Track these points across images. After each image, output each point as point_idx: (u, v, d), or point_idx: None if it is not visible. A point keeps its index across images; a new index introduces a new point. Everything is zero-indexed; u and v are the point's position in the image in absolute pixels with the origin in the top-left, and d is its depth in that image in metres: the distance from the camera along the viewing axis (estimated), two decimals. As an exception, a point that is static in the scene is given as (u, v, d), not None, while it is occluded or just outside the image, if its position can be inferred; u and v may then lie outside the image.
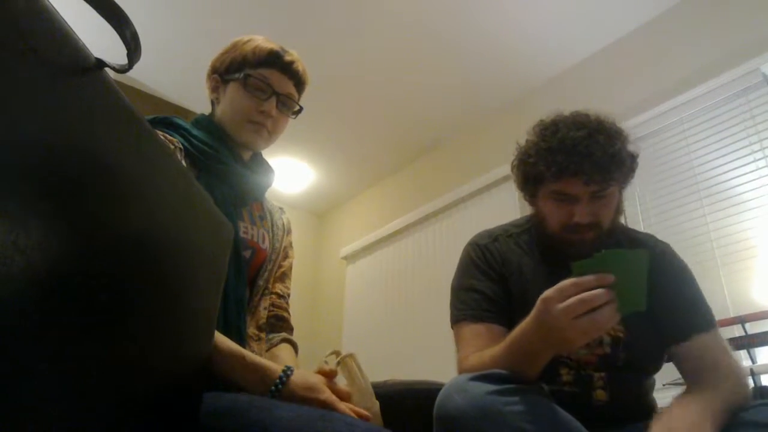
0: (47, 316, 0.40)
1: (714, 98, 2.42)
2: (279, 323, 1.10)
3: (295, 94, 1.11)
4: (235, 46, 1.09)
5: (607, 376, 0.98)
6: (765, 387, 1.83)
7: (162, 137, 0.96)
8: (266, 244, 1.08)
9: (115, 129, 0.49)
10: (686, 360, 0.99)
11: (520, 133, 1.16)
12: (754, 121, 2.29)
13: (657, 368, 1.06)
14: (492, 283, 1.08)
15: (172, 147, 0.95)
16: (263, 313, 1.07)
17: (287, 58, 1.08)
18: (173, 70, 2.96)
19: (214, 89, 1.11)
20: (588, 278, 0.75)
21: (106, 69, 0.46)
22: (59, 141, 0.41)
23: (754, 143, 2.26)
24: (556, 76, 3.08)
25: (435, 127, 3.44)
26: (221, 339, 0.84)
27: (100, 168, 0.46)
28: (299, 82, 1.11)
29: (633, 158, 1.06)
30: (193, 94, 3.07)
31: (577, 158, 0.97)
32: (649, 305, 0.77)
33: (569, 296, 0.75)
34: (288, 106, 1.10)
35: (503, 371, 0.82)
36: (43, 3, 0.39)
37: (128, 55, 0.47)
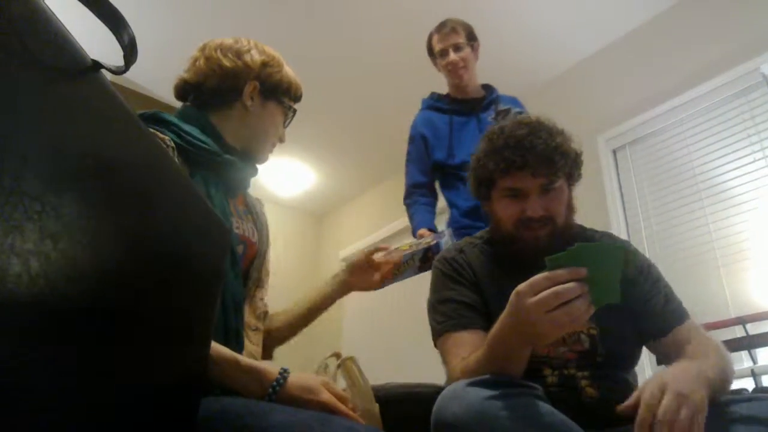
0: (42, 320, 0.40)
1: (714, 98, 2.42)
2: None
3: None
4: (278, 66, 1.12)
5: (591, 374, 0.99)
6: (766, 387, 1.83)
7: (150, 130, 0.95)
8: (255, 238, 1.09)
9: (112, 130, 0.49)
10: (668, 351, 1.02)
11: None
12: (754, 121, 2.29)
13: (635, 361, 1.09)
14: (466, 290, 1.10)
15: (165, 145, 0.94)
16: (260, 303, 1.09)
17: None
18: (169, 71, 2.96)
19: (250, 94, 1.08)
20: (560, 272, 0.75)
21: (103, 71, 0.46)
22: (56, 142, 0.41)
23: (755, 143, 2.26)
24: (557, 77, 3.08)
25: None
26: (213, 346, 0.82)
27: (97, 169, 0.45)
28: None
29: (577, 154, 1.11)
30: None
31: (521, 152, 1.04)
32: (622, 300, 0.77)
33: (542, 290, 0.75)
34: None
35: (500, 376, 0.82)
36: (39, 5, 0.39)
37: (125, 57, 0.47)
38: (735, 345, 1.85)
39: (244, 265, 1.05)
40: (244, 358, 0.85)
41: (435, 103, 2.17)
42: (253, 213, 1.13)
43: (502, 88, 2.24)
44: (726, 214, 2.28)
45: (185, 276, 0.62)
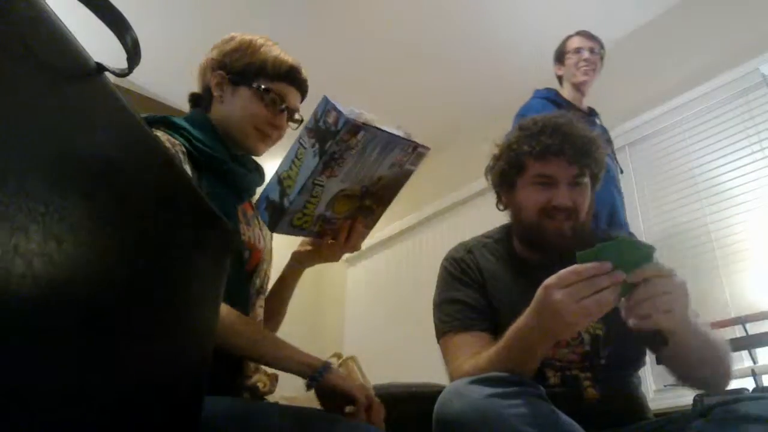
0: (46, 320, 0.40)
1: (713, 99, 2.42)
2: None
3: (299, 107, 1.15)
4: (250, 49, 1.07)
5: (594, 376, 0.99)
6: (766, 387, 1.83)
7: (166, 138, 0.96)
8: (261, 244, 1.09)
9: (116, 133, 0.49)
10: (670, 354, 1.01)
11: (492, 142, 1.21)
12: (753, 121, 2.29)
13: (639, 364, 1.08)
14: (473, 292, 1.10)
15: (176, 149, 0.95)
16: (259, 311, 1.09)
17: (302, 75, 1.11)
18: (172, 73, 2.96)
19: (218, 85, 1.08)
20: (588, 265, 0.77)
21: (106, 73, 0.46)
22: (59, 145, 0.41)
23: (754, 143, 2.26)
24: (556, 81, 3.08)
25: (435, 130, 3.44)
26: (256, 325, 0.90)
27: (99, 171, 0.46)
28: (305, 96, 1.15)
29: (603, 157, 1.11)
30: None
31: (560, 138, 1.04)
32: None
33: (571, 282, 0.77)
34: (294, 118, 1.13)
35: (502, 374, 0.82)
36: (43, 7, 0.39)
37: (128, 60, 0.48)
38: (735, 345, 1.85)
39: (247, 271, 1.05)
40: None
41: (554, 97, 2.21)
42: (260, 219, 1.12)
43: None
44: (726, 215, 2.28)
45: (188, 276, 0.63)
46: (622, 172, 2.30)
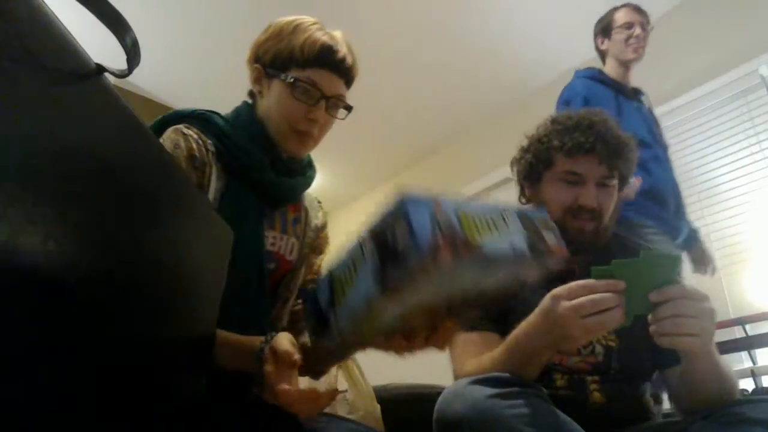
0: (46, 317, 0.40)
1: (713, 100, 2.42)
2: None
3: (345, 94, 0.98)
4: (280, 33, 0.95)
5: (601, 380, 0.98)
6: (766, 388, 1.83)
7: (193, 135, 0.90)
8: (293, 255, 1.01)
9: (115, 134, 0.49)
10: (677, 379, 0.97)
11: (521, 135, 1.16)
12: (753, 122, 2.30)
13: (650, 376, 1.06)
14: None
15: (204, 150, 0.89)
16: (284, 320, 1.02)
17: (339, 54, 0.94)
18: (172, 74, 2.96)
19: (256, 80, 0.97)
20: (600, 282, 0.76)
21: (106, 74, 0.46)
22: (59, 146, 0.41)
23: (753, 144, 2.27)
24: (559, 77, 3.08)
25: (439, 129, 3.44)
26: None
27: (99, 172, 0.45)
28: (350, 79, 0.99)
29: (634, 160, 1.08)
30: (192, 97, 3.07)
31: (593, 136, 1.00)
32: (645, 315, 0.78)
33: (579, 296, 0.76)
34: (337, 107, 0.98)
35: (503, 374, 0.82)
36: (42, 8, 0.39)
37: (128, 60, 0.47)
38: (734, 345, 1.85)
39: (272, 282, 0.98)
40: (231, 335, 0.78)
41: (599, 76, 2.05)
42: (302, 222, 1.05)
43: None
44: (725, 216, 2.28)
45: (185, 274, 0.62)
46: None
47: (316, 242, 1.08)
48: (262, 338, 0.74)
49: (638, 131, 1.75)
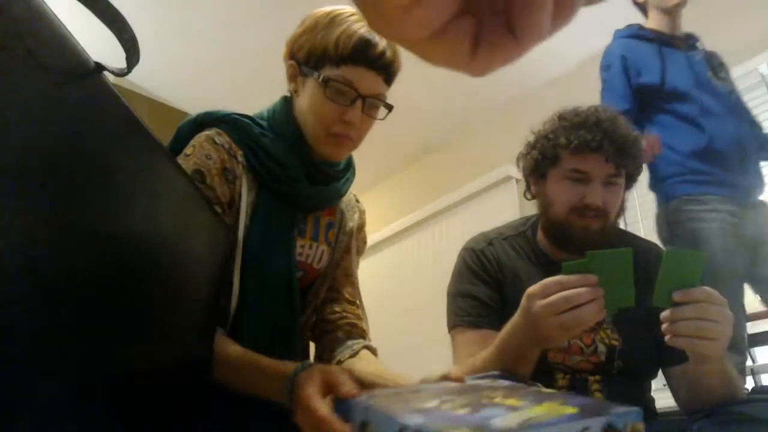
0: (45, 314, 0.40)
1: (712, 98, 2.42)
2: (353, 330, 1.02)
3: (385, 92, 0.91)
4: (315, 27, 0.88)
5: (603, 380, 0.98)
6: (765, 387, 1.83)
7: (225, 145, 0.86)
8: (321, 263, 0.99)
9: (114, 132, 0.49)
10: (682, 378, 0.98)
11: (522, 133, 1.16)
12: (752, 121, 2.29)
13: (653, 375, 1.06)
14: (488, 289, 1.08)
15: (235, 162, 0.85)
16: (312, 322, 1.02)
17: (377, 49, 0.85)
18: (172, 72, 2.95)
19: (291, 78, 0.92)
20: (572, 277, 0.75)
21: (105, 73, 0.46)
22: (58, 144, 0.41)
23: (753, 143, 2.26)
24: (559, 77, 3.08)
25: (437, 128, 3.44)
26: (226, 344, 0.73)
27: (97, 171, 0.45)
28: (390, 75, 0.90)
29: (641, 159, 1.07)
30: (192, 97, 3.07)
31: (600, 134, 0.99)
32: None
33: (553, 293, 0.75)
34: (375, 107, 0.91)
35: (497, 372, 0.82)
36: (42, 7, 0.39)
37: (127, 59, 0.47)
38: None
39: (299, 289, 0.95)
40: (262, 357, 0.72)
41: (637, 32, 1.92)
42: (336, 226, 1.02)
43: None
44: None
45: (181, 272, 0.62)
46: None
47: (350, 243, 1.05)
48: (294, 365, 0.66)
49: (683, 84, 1.68)
